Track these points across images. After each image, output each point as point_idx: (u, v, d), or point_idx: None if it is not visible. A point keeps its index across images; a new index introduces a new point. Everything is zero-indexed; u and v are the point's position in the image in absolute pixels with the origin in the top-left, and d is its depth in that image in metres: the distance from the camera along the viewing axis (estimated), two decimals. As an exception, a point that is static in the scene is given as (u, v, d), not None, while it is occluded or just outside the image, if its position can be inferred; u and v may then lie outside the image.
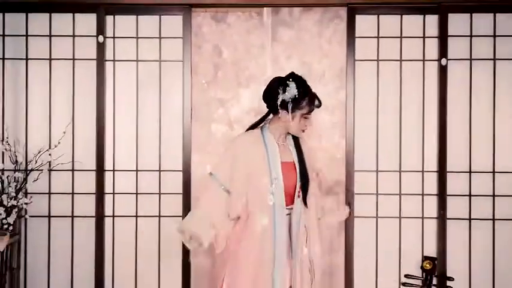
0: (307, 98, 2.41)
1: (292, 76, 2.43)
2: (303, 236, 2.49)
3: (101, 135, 3.25)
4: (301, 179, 2.47)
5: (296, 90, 2.38)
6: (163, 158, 3.29)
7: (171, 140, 3.29)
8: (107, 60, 3.27)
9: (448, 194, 3.20)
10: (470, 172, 3.22)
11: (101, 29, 3.24)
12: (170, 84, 3.30)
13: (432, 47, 3.25)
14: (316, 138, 3.28)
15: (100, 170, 3.24)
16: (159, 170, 3.28)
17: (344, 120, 3.28)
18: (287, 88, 2.38)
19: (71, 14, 3.28)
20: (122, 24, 3.29)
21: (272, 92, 2.42)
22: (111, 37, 3.28)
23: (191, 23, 3.27)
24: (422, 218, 3.23)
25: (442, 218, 3.18)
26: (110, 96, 3.29)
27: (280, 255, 2.43)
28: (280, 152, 2.47)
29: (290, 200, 2.47)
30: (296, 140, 2.55)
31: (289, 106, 2.38)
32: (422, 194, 3.23)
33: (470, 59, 3.23)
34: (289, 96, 2.38)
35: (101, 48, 3.24)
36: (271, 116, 2.53)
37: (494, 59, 3.22)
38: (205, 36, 3.37)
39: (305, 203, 2.49)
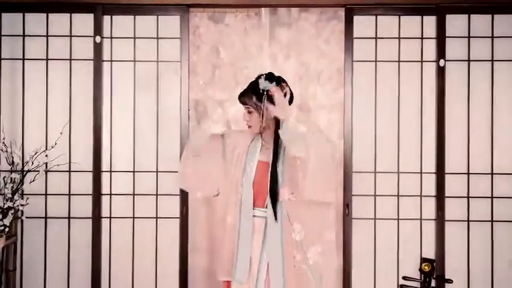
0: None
1: None
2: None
3: (98, 136, 3.23)
4: (270, 182, 2.39)
5: None
6: (160, 158, 3.27)
7: (168, 140, 3.27)
8: (104, 61, 3.26)
9: (446, 195, 3.19)
10: (468, 173, 3.21)
11: (98, 29, 3.23)
12: (168, 85, 3.28)
13: (430, 48, 3.24)
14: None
15: (97, 170, 3.22)
16: (157, 171, 3.26)
17: (342, 120, 3.26)
18: None
19: (68, 14, 3.26)
20: (119, 24, 3.28)
21: None
22: (109, 37, 3.27)
23: (189, 23, 3.26)
24: (421, 219, 3.22)
25: (440, 219, 3.17)
26: (107, 97, 3.27)
27: (243, 254, 2.40)
28: (261, 151, 2.48)
29: (261, 201, 2.42)
30: (278, 139, 2.44)
31: None
32: (421, 196, 3.22)
33: (469, 60, 3.23)
34: None
35: (98, 48, 3.23)
36: None
37: (492, 60, 3.22)
38: (203, 36, 3.34)
39: (275, 214, 2.35)
